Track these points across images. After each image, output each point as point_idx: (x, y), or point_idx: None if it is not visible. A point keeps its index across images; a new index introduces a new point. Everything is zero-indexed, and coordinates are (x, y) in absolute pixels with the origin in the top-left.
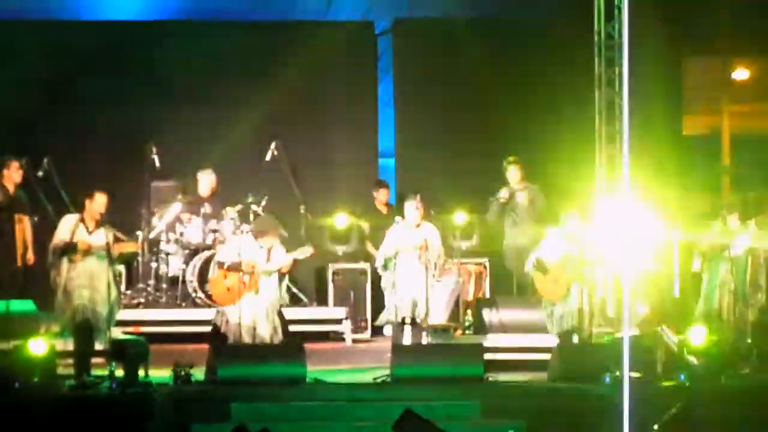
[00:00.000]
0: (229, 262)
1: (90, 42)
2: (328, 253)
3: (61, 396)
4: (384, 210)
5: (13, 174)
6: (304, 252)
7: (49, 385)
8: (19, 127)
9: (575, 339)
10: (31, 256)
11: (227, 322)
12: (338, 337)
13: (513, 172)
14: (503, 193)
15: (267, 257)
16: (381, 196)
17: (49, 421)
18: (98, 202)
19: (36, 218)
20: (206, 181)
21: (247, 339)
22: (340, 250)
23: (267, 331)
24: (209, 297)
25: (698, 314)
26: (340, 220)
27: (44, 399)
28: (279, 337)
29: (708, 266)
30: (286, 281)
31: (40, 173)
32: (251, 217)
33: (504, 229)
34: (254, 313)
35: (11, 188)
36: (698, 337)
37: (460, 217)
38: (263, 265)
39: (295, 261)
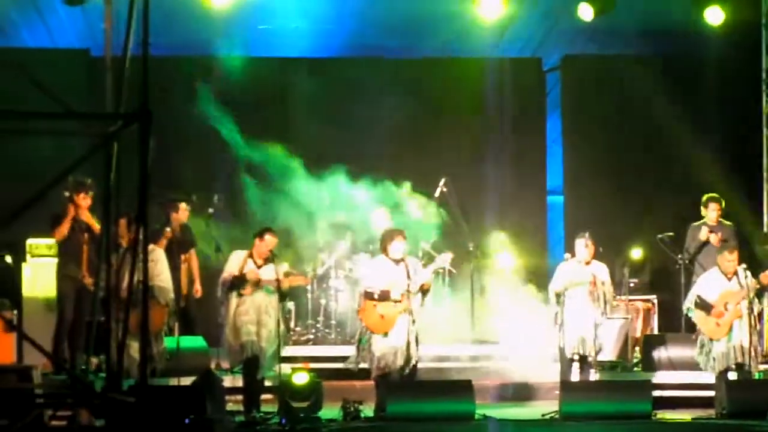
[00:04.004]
0: (378, 292)
1: (258, 77)
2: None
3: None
4: None
5: (181, 215)
6: (443, 260)
7: (219, 420)
8: (191, 164)
9: (736, 376)
10: (198, 288)
11: (375, 355)
12: (507, 373)
13: (712, 211)
14: (703, 234)
15: (407, 275)
16: None
17: None
18: (268, 241)
19: (216, 251)
20: (380, 218)
21: (400, 361)
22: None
23: (416, 350)
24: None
25: None
26: None
27: None
28: (417, 356)
29: None
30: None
31: (211, 210)
32: (419, 254)
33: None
34: (405, 335)
35: (177, 228)
36: None
37: (636, 252)
38: (406, 285)
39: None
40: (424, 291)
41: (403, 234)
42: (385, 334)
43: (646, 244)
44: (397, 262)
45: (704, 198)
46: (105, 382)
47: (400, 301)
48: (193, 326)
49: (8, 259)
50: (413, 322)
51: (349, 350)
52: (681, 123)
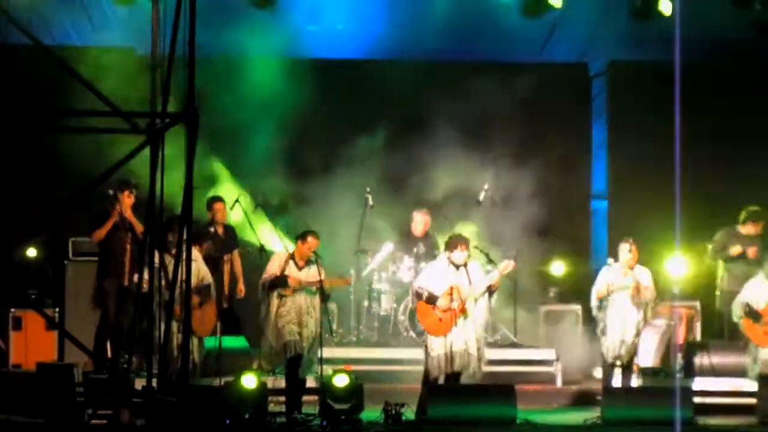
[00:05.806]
0: (426, 294)
1: (311, 78)
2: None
3: None
4: None
5: (218, 215)
6: (504, 267)
7: (260, 422)
8: (240, 165)
9: None
10: (241, 288)
11: (431, 356)
12: (549, 378)
13: (749, 226)
14: (736, 249)
15: (468, 280)
16: None
17: None
18: (310, 244)
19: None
20: (420, 220)
21: (459, 364)
22: (552, 291)
23: (476, 355)
24: (420, 335)
25: None
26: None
27: None
28: (484, 361)
29: None
30: (494, 297)
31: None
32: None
33: (722, 273)
34: (465, 338)
35: (220, 229)
36: None
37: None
38: (467, 290)
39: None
40: (491, 291)
41: (467, 243)
42: (443, 337)
43: (689, 250)
44: (457, 267)
45: (753, 213)
46: (147, 382)
47: (446, 311)
48: (236, 326)
49: (31, 252)
50: (479, 327)
51: (390, 352)
52: (727, 130)
